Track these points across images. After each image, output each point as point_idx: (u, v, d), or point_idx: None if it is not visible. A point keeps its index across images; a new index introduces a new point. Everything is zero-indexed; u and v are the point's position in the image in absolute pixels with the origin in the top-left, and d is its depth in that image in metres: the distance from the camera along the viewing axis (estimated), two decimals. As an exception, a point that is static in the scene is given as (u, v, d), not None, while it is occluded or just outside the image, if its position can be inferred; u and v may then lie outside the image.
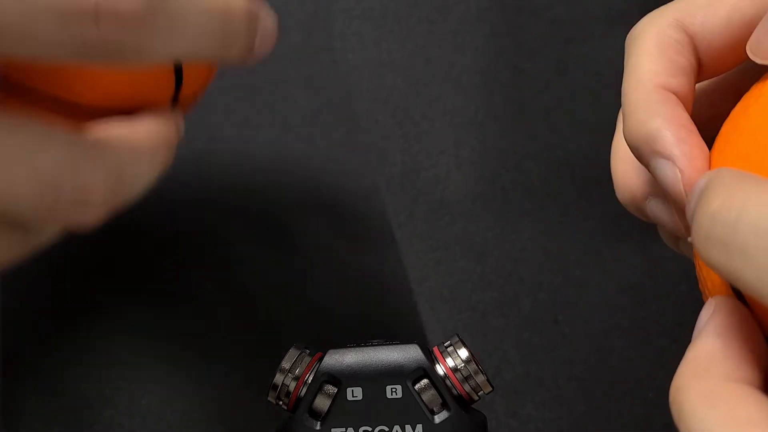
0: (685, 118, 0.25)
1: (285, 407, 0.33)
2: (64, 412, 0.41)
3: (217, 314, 0.43)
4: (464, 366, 0.33)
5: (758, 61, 0.24)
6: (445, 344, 0.33)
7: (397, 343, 0.33)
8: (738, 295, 0.23)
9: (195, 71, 0.29)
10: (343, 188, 0.44)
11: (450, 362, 0.33)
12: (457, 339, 0.33)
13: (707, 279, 0.24)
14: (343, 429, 0.32)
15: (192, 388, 0.42)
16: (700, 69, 0.27)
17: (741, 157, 0.23)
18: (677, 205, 0.25)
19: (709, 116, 0.28)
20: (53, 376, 0.42)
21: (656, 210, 0.28)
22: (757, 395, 0.20)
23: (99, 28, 0.20)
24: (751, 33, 0.25)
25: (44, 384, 0.42)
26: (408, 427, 0.32)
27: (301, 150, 0.44)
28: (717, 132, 0.26)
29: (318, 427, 0.32)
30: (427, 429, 0.32)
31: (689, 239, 0.22)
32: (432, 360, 0.33)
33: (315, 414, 0.32)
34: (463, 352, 0.33)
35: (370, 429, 0.32)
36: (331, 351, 0.33)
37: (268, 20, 0.26)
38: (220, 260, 0.44)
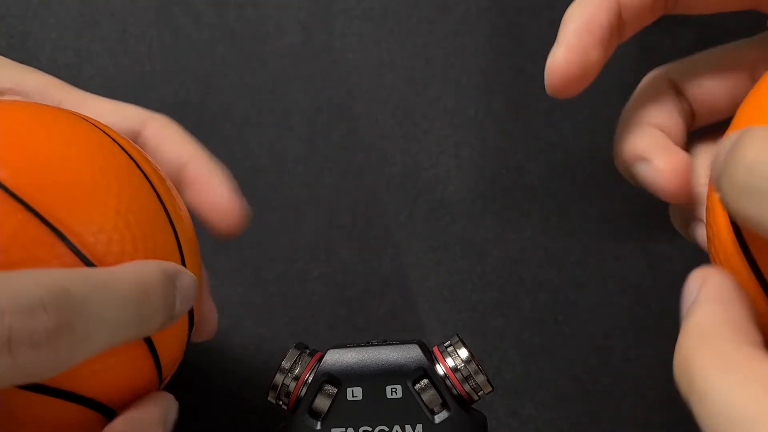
0: (602, 18, 0.29)
1: (285, 407, 0.33)
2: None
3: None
4: (464, 366, 0.33)
5: None
6: (445, 344, 0.33)
7: (397, 343, 0.33)
8: (749, 262, 0.23)
9: (166, 340, 0.27)
10: (343, 188, 0.44)
11: (450, 362, 0.33)
12: (457, 339, 0.33)
13: (720, 250, 0.25)
14: (343, 429, 0.32)
15: (191, 388, 0.42)
16: None
17: None
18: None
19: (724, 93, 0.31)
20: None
21: (643, 171, 0.30)
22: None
23: (12, 353, 0.19)
24: None
25: None
26: (408, 427, 0.32)
27: (301, 150, 0.44)
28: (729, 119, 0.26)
29: (318, 427, 0.32)
30: (427, 429, 0.32)
31: (718, 195, 0.22)
32: (432, 360, 0.33)
33: (315, 414, 0.32)
34: (463, 352, 0.33)
35: (370, 429, 0.32)
36: (331, 351, 0.33)
37: (185, 277, 0.26)
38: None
